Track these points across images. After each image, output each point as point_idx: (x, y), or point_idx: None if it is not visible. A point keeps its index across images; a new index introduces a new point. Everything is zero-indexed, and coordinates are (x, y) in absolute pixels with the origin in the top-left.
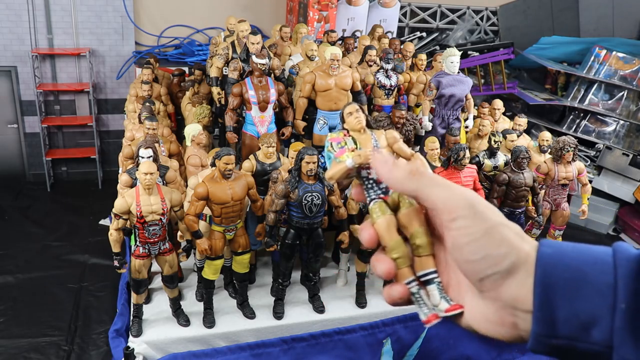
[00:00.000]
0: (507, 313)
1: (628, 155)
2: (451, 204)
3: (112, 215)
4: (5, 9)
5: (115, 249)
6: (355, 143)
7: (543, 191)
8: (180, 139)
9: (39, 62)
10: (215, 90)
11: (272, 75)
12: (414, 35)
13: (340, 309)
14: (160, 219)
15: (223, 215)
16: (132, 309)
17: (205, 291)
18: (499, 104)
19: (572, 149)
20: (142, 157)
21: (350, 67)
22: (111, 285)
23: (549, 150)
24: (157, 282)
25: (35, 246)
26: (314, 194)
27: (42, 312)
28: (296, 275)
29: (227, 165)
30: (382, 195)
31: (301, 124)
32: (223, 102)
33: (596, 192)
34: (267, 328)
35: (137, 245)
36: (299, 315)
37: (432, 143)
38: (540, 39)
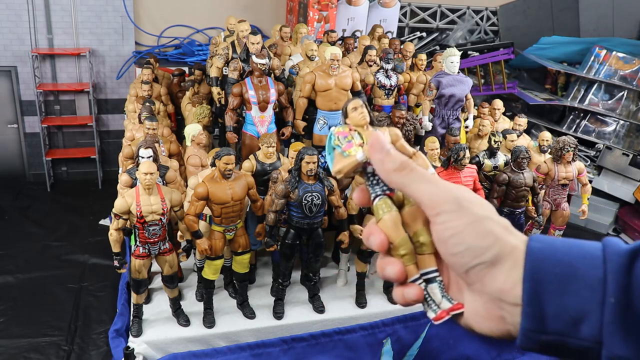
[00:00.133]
0: (494, 306)
1: (628, 155)
2: (436, 199)
3: (112, 215)
4: (5, 9)
5: (115, 249)
6: (362, 138)
7: (543, 191)
8: (180, 139)
9: (39, 62)
10: (215, 90)
11: (272, 75)
12: (414, 35)
13: (340, 309)
14: (160, 219)
15: (223, 215)
16: (132, 309)
17: (205, 291)
18: (499, 104)
19: (572, 149)
20: (142, 157)
21: (350, 67)
22: (111, 285)
23: (549, 150)
24: (157, 282)
25: (35, 246)
26: (314, 194)
27: (42, 312)
28: (296, 275)
29: (227, 165)
30: (387, 192)
31: (301, 124)
32: (223, 102)
33: (596, 192)
34: (267, 328)
35: (137, 245)
36: (299, 315)
37: (432, 143)
38: (540, 39)
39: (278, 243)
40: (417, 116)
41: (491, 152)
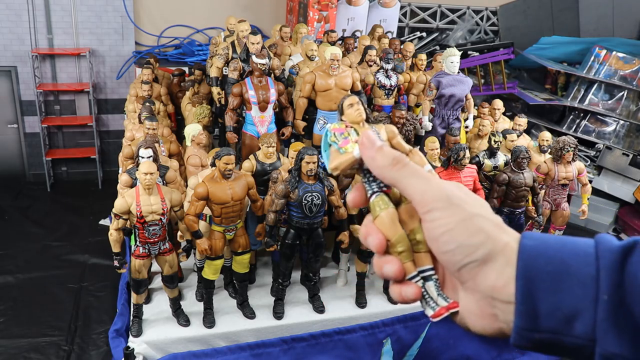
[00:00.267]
0: (486, 304)
1: (628, 155)
2: (427, 196)
3: (112, 215)
4: (5, 9)
5: (115, 249)
6: (358, 134)
7: (543, 191)
8: (180, 139)
9: (39, 62)
10: (215, 90)
11: (272, 75)
12: (414, 35)
13: (340, 309)
14: (160, 219)
15: (223, 215)
16: (132, 309)
17: (205, 291)
18: (499, 104)
19: (572, 149)
20: (142, 157)
21: (350, 67)
22: (111, 285)
23: (549, 150)
24: (157, 282)
25: (35, 246)
26: (314, 194)
27: (42, 312)
28: (296, 275)
29: (227, 165)
30: (384, 189)
31: (301, 124)
32: (223, 102)
33: (596, 192)
34: (267, 328)
35: (137, 245)
36: (299, 315)
37: (432, 143)
38: (540, 39)
39: (278, 243)
40: (417, 116)
41: (491, 152)
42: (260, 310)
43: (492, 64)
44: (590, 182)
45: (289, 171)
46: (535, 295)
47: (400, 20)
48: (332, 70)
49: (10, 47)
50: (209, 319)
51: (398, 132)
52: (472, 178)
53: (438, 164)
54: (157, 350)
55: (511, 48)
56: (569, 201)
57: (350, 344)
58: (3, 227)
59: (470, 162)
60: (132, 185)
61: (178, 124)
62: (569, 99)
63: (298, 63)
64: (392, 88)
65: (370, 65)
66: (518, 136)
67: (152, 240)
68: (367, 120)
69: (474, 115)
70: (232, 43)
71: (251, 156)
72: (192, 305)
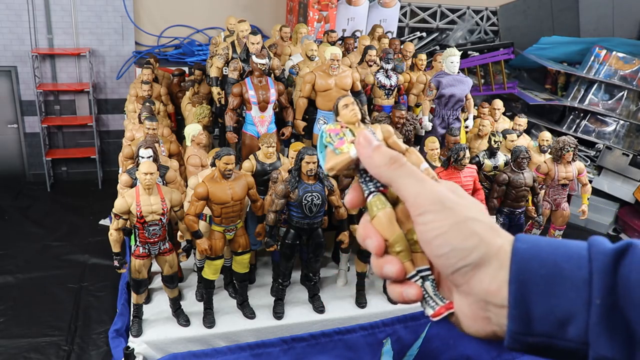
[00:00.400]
0: (479, 307)
1: (628, 155)
2: (420, 199)
3: (112, 215)
4: (5, 9)
5: (115, 249)
6: (353, 135)
7: (543, 191)
8: (180, 139)
9: (39, 62)
10: (215, 90)
11: (272, 75)
12: (414, 35)
13: (340, 309)
14: (160, 219)
15: (223, 215)
16: (132, 309)
17: (205, 291)
18: (499, 104)
19: (572, 149)
20: (142, 157)
21: (350, 67)
22: (111, 285)
23: (549, 150)
24: (157, 282)
25: (35, 246)
26: (314, 194)
27: (42, 312)
28: (296, 275)
29: (227, 165)
30: (381, 188)
31: (301, 124)
32: (223, 102)
33: (596, 192)
34: (267, 328)
35: (137, 245)
36: (299, 315)
37: (432, 143)
38: (540, 39)
39: (278, 243)
40: (417, 116)
41: (491, 152)
42: (260, 310)
43: (492, 64)
44: (590, 182)
45: (289, 171)
46: (529, 299)
47: (400, 20)
48: (332, 70)
49: (10, 47)
50: (209, 319)
51: (394, 132)
52: (472, 178)
53: (438, 164)
54: (157, 350)
55: (511, 48)
56: (569, 201)
57: (350, 344)
58: (3, 227)
59: (470, 162)
60: (132, 185)
61: (178, 124)
62: (569, 99)
63: (298, 63)
64: (392, 88)
65: (370, 65)
66: (518, 136)
67: (152, 240)
68: (363, 120)
69: (474, 115)
70: (232, 43)
71: (251, 156)
72: (192, 305)
